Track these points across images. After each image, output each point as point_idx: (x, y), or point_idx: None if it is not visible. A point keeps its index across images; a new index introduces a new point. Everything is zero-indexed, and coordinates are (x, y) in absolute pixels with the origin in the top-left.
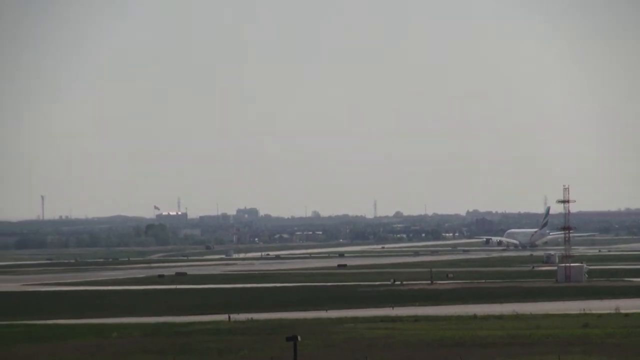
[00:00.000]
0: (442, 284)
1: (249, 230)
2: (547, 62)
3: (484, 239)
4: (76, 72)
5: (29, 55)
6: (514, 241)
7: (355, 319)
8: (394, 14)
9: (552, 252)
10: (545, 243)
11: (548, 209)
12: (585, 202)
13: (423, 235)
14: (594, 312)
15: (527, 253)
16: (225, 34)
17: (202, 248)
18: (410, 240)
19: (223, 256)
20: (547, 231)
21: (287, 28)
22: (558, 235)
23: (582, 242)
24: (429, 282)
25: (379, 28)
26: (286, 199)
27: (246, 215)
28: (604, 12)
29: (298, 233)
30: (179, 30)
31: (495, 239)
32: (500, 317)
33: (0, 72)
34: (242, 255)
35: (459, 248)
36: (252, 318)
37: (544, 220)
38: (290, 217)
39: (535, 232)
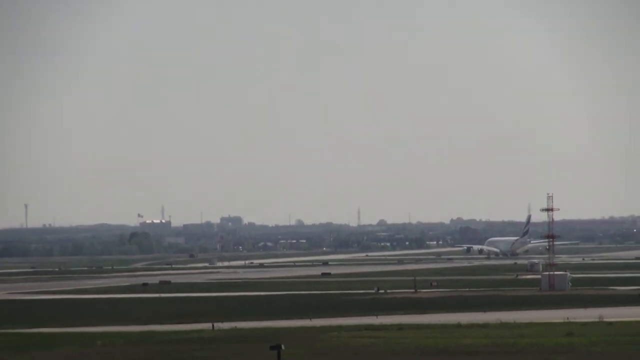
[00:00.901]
0: (426, 292)
1: (233, 238)
2: (532, 73)
3: (465, 247)
4: (59, 79)
5: (10, 61)
6: (495, 249)
7: (339, 328)
8: (386, 15)
9: (535, 261)
10: (527, 251)
11: (529, 218)
12: (569, 211)
13: (407, 243)
14: (578, 320)
15: (511, 261)
16: (212, 41)
17: (186, 256)
18: (394, 248)
19: (207, 264)
20: (528, 239)
21: (272, 33)
22: (539, 243)
23: (566, 251)
24: (413, 290)
25: (360, 30)
26: (270, 207)
27: (230, 224)
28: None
29: (282, 241)
30: (166, 39)
31: (476, 247)
32: (484, 326)
33: None
34: (226, 264)
35: (442, 256)
36: (236, 327)
37: (525, 229)
38: (274, 226)
39: (516, 240)
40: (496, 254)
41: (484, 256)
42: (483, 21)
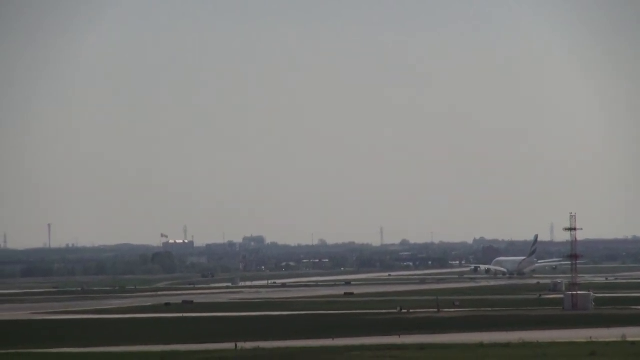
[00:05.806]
0: (449, 312)
1: (256, 258)
2: (552, 93)
3: (472, 267)
4: (80, 100)
5: (33, 81)
6: (502, 269)
7: (362, 347)
8: (394, 31)
9: (559, 280)
10: (533, 271)
11: (536, 237)
12: (592, 230)
13: (430, 263)
14: (601, 340)
15: (533, 281)
16: (231, 54)
17: (208, 275)
18: (416, 268)
19: (230, 284)
20: (535, 259)
21: (293, 51)
22: (546, 263)
23: (587, 270)
24: (436, 310)
25: (378, 47)
26: (293, 226)
27: (253, 243)
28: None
29: (305, 261)
30: (184, 53)
31: (483, 267)
32: (507, 345)
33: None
34: (248, 283)
35: (465, 276)
36: (259, 346)
37: (532, 249)
38: (296, 245)
39: (523, 260)
40: (503, 273)
41: (489, 276)
42: (508, 48)
